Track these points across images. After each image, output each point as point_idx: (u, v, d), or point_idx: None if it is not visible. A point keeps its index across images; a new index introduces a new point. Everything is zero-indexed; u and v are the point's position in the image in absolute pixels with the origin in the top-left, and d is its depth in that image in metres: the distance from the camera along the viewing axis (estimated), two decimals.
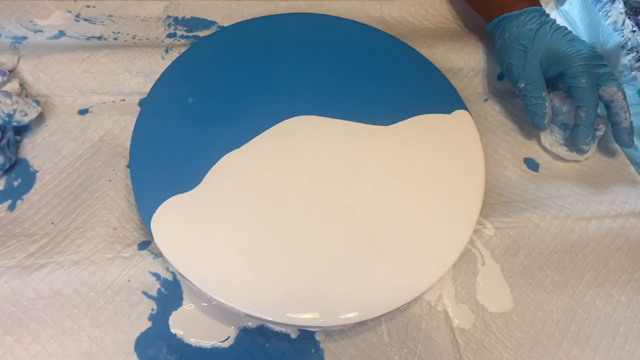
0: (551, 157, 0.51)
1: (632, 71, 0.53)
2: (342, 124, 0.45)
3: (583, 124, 0.47)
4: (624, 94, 0.47)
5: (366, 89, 0.47)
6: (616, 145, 0.53)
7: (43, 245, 0.39)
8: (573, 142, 0.49)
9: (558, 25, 0.49)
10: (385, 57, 0.49)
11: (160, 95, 0.44)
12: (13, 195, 0.42)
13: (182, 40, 0.52)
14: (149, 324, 0.38)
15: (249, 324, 0.39)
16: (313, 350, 0.39)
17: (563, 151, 0.50)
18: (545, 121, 0.48)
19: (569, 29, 0.49)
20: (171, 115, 0.43)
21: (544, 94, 0.48)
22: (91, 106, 0.47)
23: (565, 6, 0.61)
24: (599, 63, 0.47)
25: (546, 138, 0.51)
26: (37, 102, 0.44)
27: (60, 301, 0.38)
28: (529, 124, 0.53)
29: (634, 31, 0.52)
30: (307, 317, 0.36)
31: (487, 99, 0.54)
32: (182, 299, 0.39)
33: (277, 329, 0.39)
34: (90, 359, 0.36)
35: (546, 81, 0.48)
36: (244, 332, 0.39)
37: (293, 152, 0.43)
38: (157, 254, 0.40)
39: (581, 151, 0.49)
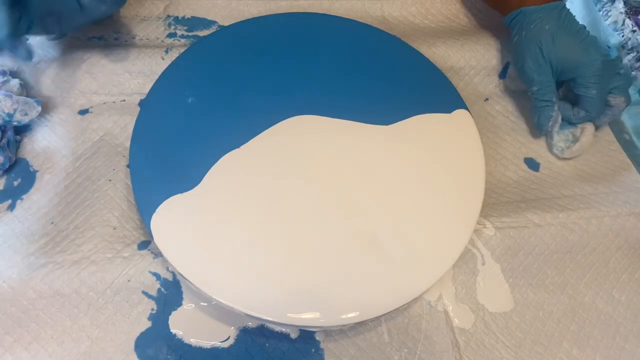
0: (557, 158, 0.51)
1: (632, 71, 0.53)
2: (342, 123, 0.45)
3: (574, 118, 0.49)
4: (628, 101, 0.48)
5: (366, 89, 0.47)
6: (617, 145, 0.53)
7: (43, 245, 0.39)
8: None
9: (577, 26, 0.48)
10: (385, 56, 0.49)
11: (160, 95, 0.44)
12: (13, 195, 0.42)
13: (182, 40, 0.52)
14: (148, 324, 0.38)
15: (249, 324, 0.39)
16: (313, 350, 0.39)
17: (575, 148, 0.50)
18: (550, 123, 0.48)
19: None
20: (171, 115, 0.43)
21: (554, 98, 0.48)
22: (91, 106, 0.47)
23: (567, 4, 0.61)
24: (614, 72, 0.47)
25: (557, 145, 0.50)
26: (38, 102, 0.44)
27: (60, 301, 0.38)
28: (529, 123, 0.53)
29: (634, 31, 0.52)
30: (307, 317, 0.36)
31: (487, 99, 0.54)
32: (182, 298, 0.39)
33: (277, 329, 0.39)
34: (90, 359, 0.37)
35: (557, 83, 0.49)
36: (244, 332, 0.39)
37: (293, 151, 0.43)
38: (157, 254, 0.40)
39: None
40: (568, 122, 0.50)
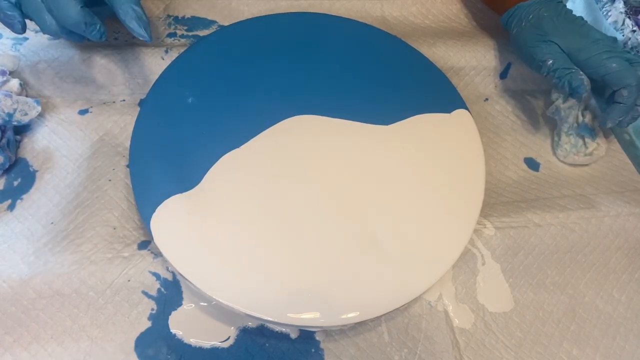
0: (558, 159, 0.51)
1: None
2: (342, 123, 0.45)
3: (625, 102, 0.44)
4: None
5: (366, 88, 0.47)
6: (617, 145, 0.53)
7: (43, 245, 0.39)
8: (604, 119, 0.46)
9: (574, 15, 0.48)
10: (385, 56, 0.49)
11: (159, 95, 0.44)
12: (13, 194, 0.42)
13: (182, 40, 0.52)
14: (148, 324, 0.38)
15: (249, 324, 0.39)
16: (313, 350, 0.39)
17: (579, 158, 0.50)
18: (585, 84, 0.44)
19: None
20: (171, 115, 0.43)
21: (574, 67, 0.45)
22: (91, 106, 0.47)
23: (569, 4, 0.61)
24: (622, 49, 0.45)
25: (563, 147, 0.50)
26: (37, 102, 0.44)
27: (60, 301, 0.38)
28: (529, 123, 0.53)
29: (634, 31, 0.52)
30: (307, 317, 0.36)
31: (487, 99, 0.54)
32: (182, 298, 0.39)
33: (277, 329, 0.39)
34: (90, 359, 0.37)
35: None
36: (244, 332, 0.39)
37: (293, 151, 0.43)
38: (157, 254, 0.40)
39: (604, 125, 0.46)
40: (616, 115, 0.45)
